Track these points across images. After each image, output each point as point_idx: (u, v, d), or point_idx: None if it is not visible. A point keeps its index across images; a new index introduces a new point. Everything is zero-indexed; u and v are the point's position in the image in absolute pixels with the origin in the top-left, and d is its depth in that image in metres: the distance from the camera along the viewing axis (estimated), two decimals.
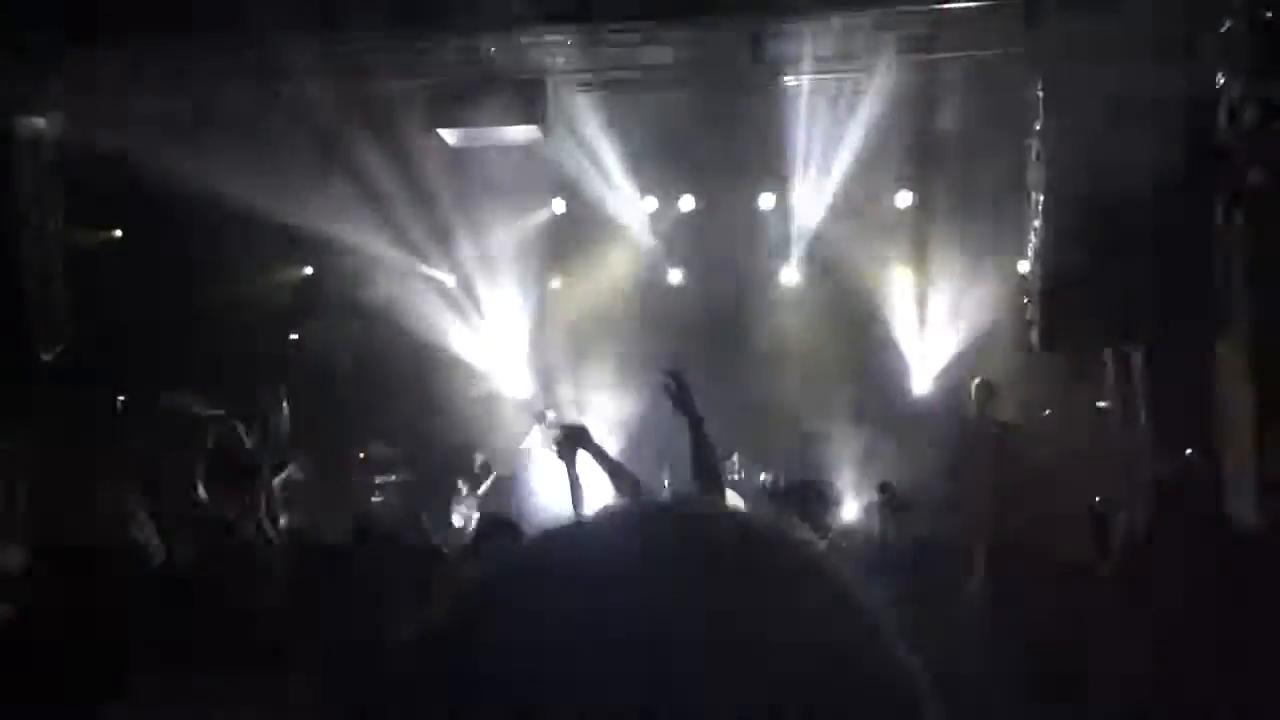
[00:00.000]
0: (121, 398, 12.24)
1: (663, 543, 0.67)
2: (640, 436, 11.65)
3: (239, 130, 11.19)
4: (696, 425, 4.69)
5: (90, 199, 11.76)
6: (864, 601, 0.66)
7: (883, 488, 6.51)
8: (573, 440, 5.14)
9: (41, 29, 9.87)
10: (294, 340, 13.12)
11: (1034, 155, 9.82)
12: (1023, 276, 10.53)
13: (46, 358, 11.10)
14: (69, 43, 10.45)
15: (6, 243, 10.97)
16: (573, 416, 11.71)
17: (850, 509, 10.46)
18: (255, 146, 11.05)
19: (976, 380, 10.11)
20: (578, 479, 5.28)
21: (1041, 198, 9.80)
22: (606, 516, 0.75)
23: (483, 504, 10.80)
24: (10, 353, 10.76)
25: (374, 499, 11.63)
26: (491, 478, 11.36)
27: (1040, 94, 9.59)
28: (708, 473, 4.63)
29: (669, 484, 11.17)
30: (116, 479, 10.82)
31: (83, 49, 10.40)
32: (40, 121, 11.08)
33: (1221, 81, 8.86)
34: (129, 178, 11.89)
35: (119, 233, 12.79)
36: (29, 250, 11.11)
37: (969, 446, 9.74)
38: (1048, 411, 10.15)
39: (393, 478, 12.10)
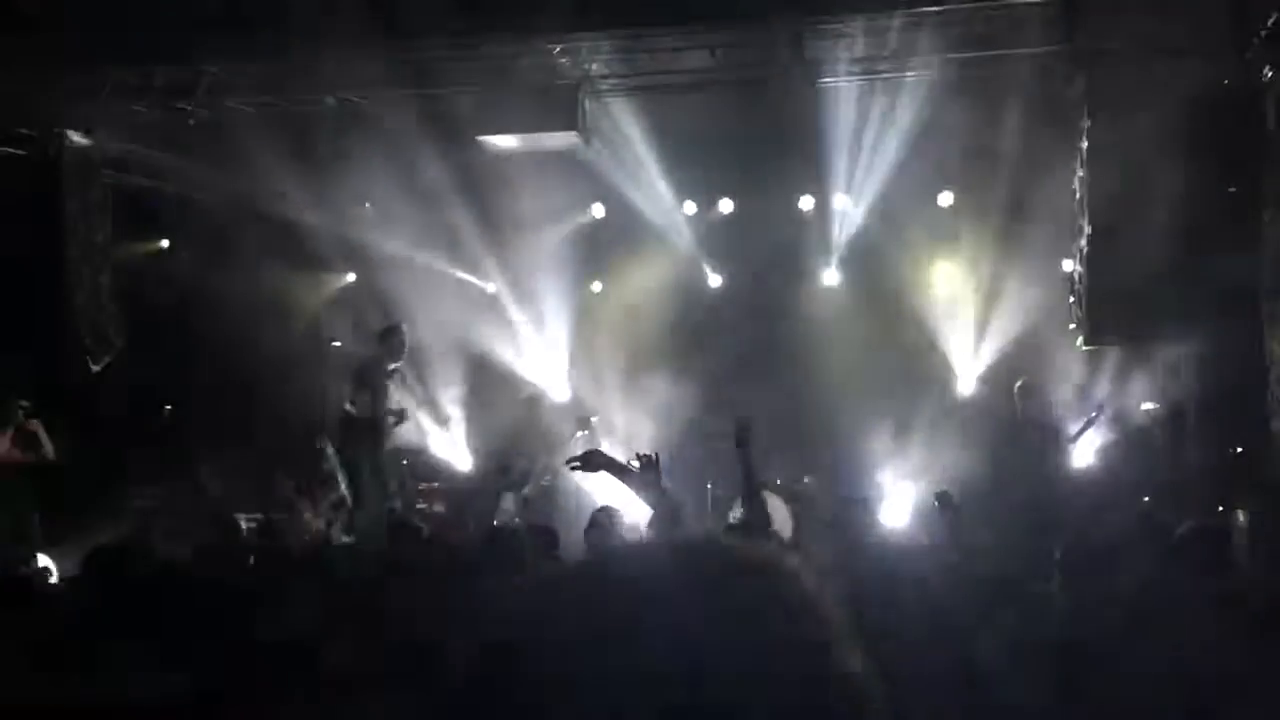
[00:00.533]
0: (169, 407, 12.38)
1: (681, 569, 0.84)
2: (683, 440, 11.65)
3: (283, 142, 11.30)
4: (748, 463, 5.39)
5: (137, 212, 11.92)
6: (826, 609, 0.83)
7: (940, 497, 6.49)
8: (589, 465, 5.28)
9: (89, 44, 10.01)
10: (336, 346, 13.23)
11: (1080, 155, 9.75)
12: (1068, 275, 10.45)
13: (96, 368, 11.27)
14: (115, 58, 10.60)
15: (55, 256, 11.14)
16: (610, 426, 11.77)
17: (896, 512, 10.43)
18: (300, 157, 11.14)
19: (1020, 382, 10.03)
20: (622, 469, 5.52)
21: (1087, 195, 9.74)
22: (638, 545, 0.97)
23: (526, 510, 10.82)
24: (60, 364, 10.93)
25: (418, 505, 11.69)
26: (533, 483, 11.38)
27: (1085, 93, 9.53)
28: (754, 500, 5.38)
29: (711, 489, 11.19)
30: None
31: (130, 64, 10.53)
32: (86, 136, 11.24)
33: (1268, 77, 8.76)
34: (176, 190, 12.07)
35: (166, 244, 12.95)
36: (78, 264, 11.28)
37: (1014, 447, 9.65)
38: (1096, 411, 10.03)
39: (436, 484, 12.16)
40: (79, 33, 9.83)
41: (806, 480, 11.15)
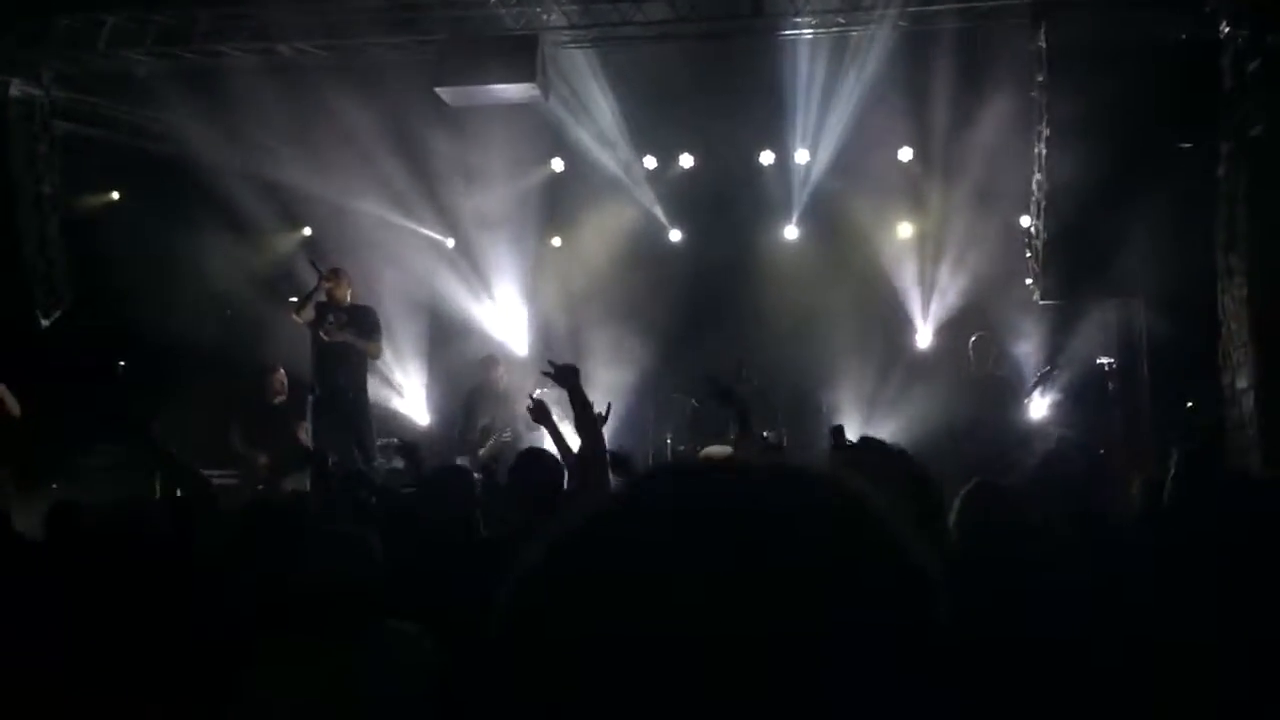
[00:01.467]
0: (121, 362, 12.21)
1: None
2: (641, 394, 11.67)
3: (235, 92, 11.10)
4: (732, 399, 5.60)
5: (86, 163, 11.69)
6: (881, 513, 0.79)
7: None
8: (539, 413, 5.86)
9: None
10: (291, 303, 13.03)
11: (1039, 108, 9.78)
12: (1025, 230, 10.51)
13: (45, 322, 11.09)
14: (62, 5, 10.36)
15: (3, 208, 10.92)
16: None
17: None
18: (253, 108, 10.96)
19: (975, 336, 10.12)
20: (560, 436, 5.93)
21: (1044, 150, 9.77)
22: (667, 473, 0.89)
23: (484, 467, 10.77)
24: (9, 317, 10.74)
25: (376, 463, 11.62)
26: (493, 439, 11.34)
27: (1043, 45, 9.54)
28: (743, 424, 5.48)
29: (671, 441, 11.24)
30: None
31: (76, 10, 10.30)
32: (34, 86, 10.99)
33: (1225, 31, 8.79)
34: (124, 141, 11.84)
35: (115, 195, 12.72)
36: (26, 215, 11.06)
37: (969, 401, 9.75)
38: (1048, 367, 10.14)
39: (395, 440, 12.08)
40: None
41: (766, 435, 11.14)
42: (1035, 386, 9.98)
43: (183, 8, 10.39)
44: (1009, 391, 9.94)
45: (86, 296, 11.31)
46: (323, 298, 9.75)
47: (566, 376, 5.20)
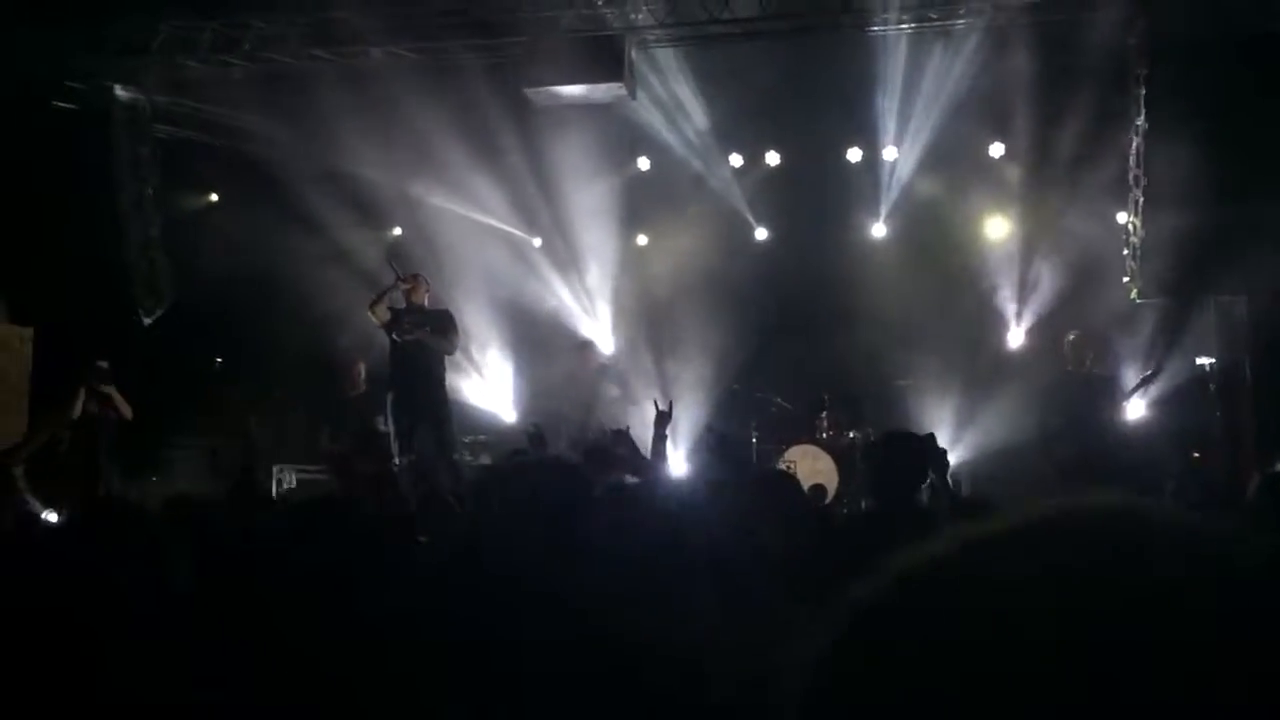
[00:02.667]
0: (219, 359, 12.50)
1: None
2: (726, 395, 11.65)
3: (326, 95, 11.32)
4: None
5: (187, 165, 12.01)
6: None
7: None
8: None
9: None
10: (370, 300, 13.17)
11: (1137, 103, 9.56)
12: (1122, 227, 10.27)
13: (148, 321, 11.41)
14: (162, 13, 10.66)
15: (106, 210, 11.27)
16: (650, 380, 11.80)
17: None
18: (344, 110, 11.16)
19: (1072, 335, 9.86)
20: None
21: (1142, 145, 9.56)
22: None
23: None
24: (114, 317, 11.08)
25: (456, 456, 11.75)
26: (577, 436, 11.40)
27: (1144, 39, 9.32)
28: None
29: (756, 441, 11.20)
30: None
31: (177, 18, 10.59)
32: (137, 91, 11.32)
33: None
34: (222, 144, 12.13)
35: (214, 197, 13.05)
36: (129, 217, 11.40)
37: (1064, 400, 9.49)
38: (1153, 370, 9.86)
39: (482, 437, 12.22)
40: None
41: (852, 435, 11.05)
42: (1139, 387, 9.71)
43: (277, 14, 10.64)
44: (1109, 391, 9.63)
45: (186, 296, 11.61)
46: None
47: (665, 418, 6.36)
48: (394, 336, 9.74)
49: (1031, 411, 9.74)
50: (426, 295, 10.04)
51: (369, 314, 9.91)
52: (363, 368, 10.80)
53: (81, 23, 10.41)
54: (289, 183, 11.79)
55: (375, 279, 11.33)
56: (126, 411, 9.32)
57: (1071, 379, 9.52)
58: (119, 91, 11.17)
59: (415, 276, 10.05)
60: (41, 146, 10.23)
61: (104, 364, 9.01)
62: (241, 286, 11.55)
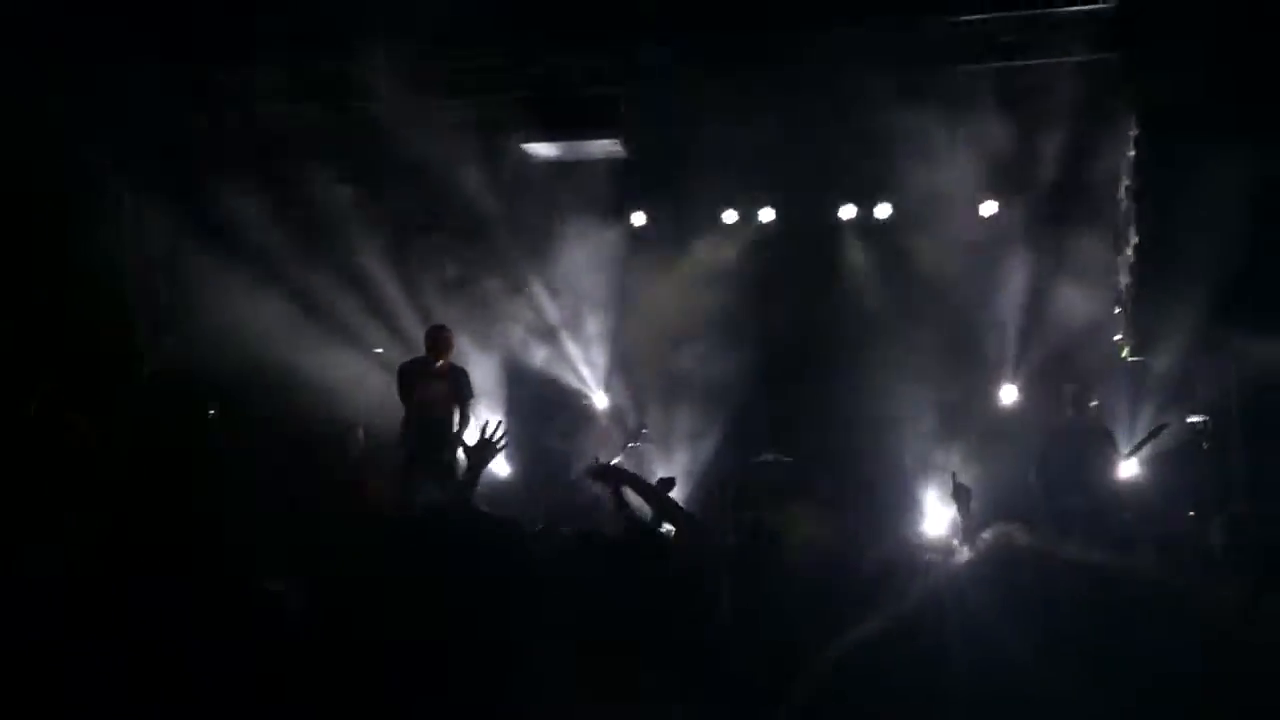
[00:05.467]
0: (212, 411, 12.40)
1: None
2: (719, 450, 11.66)
3: (325, 146, 11.41)
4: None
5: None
6: None
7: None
8: (605, 477, 5.71)
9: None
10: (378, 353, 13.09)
11: (1127, 163, 9.69)
12: (1115, 286, 10.35)
13: (148, 368, 11.39)
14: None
15: (111, 254, 11.27)
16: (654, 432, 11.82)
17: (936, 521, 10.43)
18: (344, 163, 11.24)
19: (1072, 387, 9.87)
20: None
21: (1134, 206, 9.67)
22: None
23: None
24: (113, 358, 11.03)
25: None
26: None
27: (1133, 100, 9.47)
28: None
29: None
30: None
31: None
32: None
33: None
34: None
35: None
36: (132, 262, 11.43)
37: (1065, 452, 9.45)
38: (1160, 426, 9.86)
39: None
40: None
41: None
42: (1141, 445, 9.68)
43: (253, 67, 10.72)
44: (1107, 444, 9.64)
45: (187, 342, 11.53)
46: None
47: (667, 486, 6.76)
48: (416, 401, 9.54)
49: (1030, 464, 9.65)
50: (450, 352, 9.76)
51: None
52: (361, 432, 10.76)
53: None
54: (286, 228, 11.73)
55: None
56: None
57: (1072, 427, 9.53)
58: None
59: (443, 332, 9.81)
60: None
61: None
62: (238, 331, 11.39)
